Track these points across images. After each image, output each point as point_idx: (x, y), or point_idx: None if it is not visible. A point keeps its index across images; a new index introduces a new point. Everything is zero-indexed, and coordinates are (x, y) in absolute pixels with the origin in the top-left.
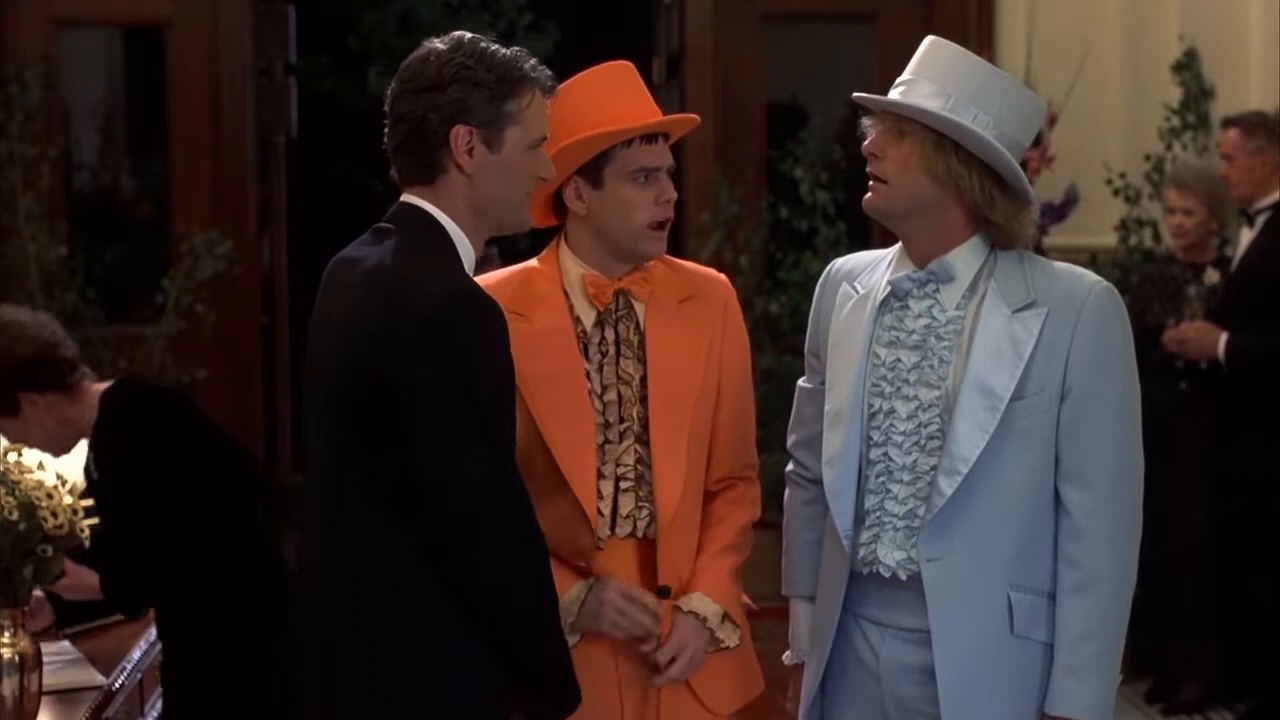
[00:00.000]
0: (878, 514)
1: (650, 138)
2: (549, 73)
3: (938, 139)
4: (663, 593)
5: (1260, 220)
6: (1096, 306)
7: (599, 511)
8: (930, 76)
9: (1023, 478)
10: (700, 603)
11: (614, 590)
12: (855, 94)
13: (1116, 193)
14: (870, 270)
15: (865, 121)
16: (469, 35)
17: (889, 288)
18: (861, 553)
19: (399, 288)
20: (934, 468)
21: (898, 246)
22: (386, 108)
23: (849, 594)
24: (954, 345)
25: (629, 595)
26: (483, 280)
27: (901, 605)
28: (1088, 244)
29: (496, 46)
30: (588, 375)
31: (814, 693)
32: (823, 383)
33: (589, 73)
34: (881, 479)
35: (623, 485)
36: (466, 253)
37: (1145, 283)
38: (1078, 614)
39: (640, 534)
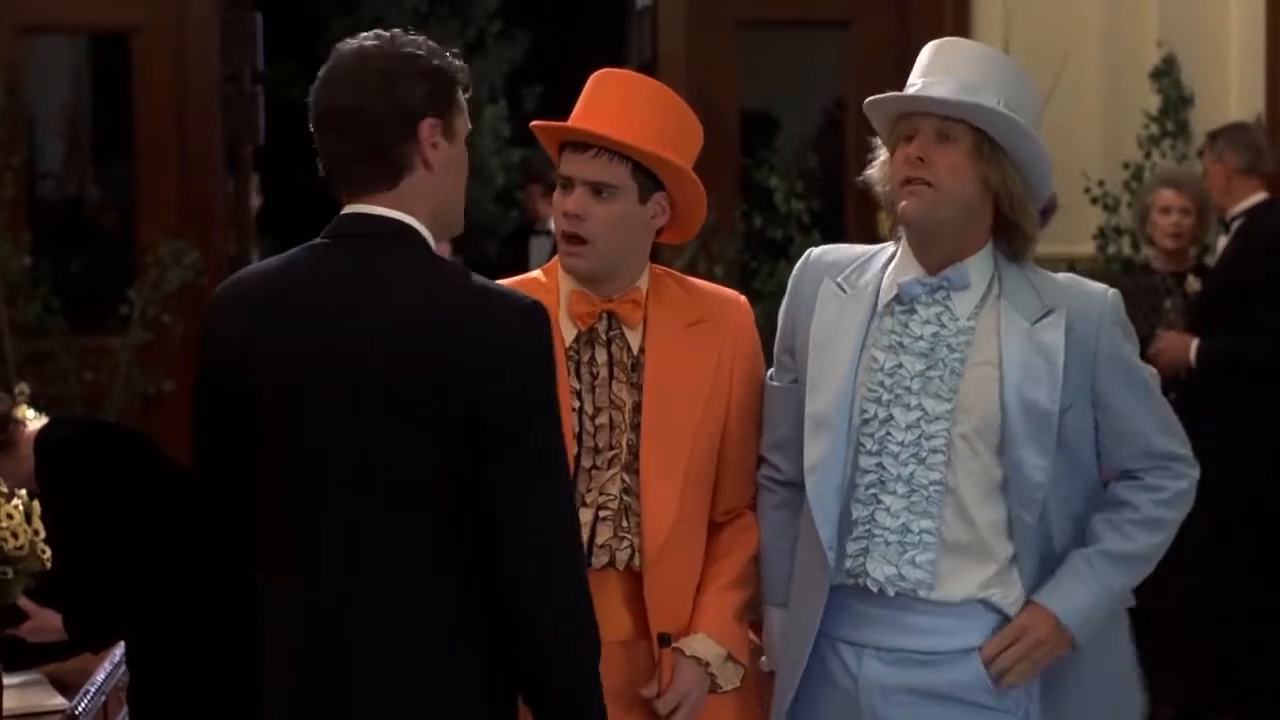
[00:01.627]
0: (867, 526)
1: (582, 147)
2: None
3: (990, 143)
4: (663, 640)
5: (1235, 227)
6: (1114, 314)
7: None
8: (964, 77)
9: (1065, 493)
10: (702, 645)
11: None
12: (901, 93)
13: (1095, 201)
14: (859, 268)
15: (893, 126)
16: (394, 30)
17: (895, 290)
18: (848, 564)
19: (460, 315)
20: (933, 482)
21: (895, 246)
22: (321, 116)
23: (825, 610)
24: (965, 358)
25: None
26: None
27: (881, 623)
28: (1065, 253)
29: (420, 36)
30: (578, 395)
31: (788, 704)
32: (794, 381)
33: (615, 70)
34: (873, 490)
35: (602, 515)
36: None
37: (1124, 295)
38: (1132, 540)
39: (622, 566)
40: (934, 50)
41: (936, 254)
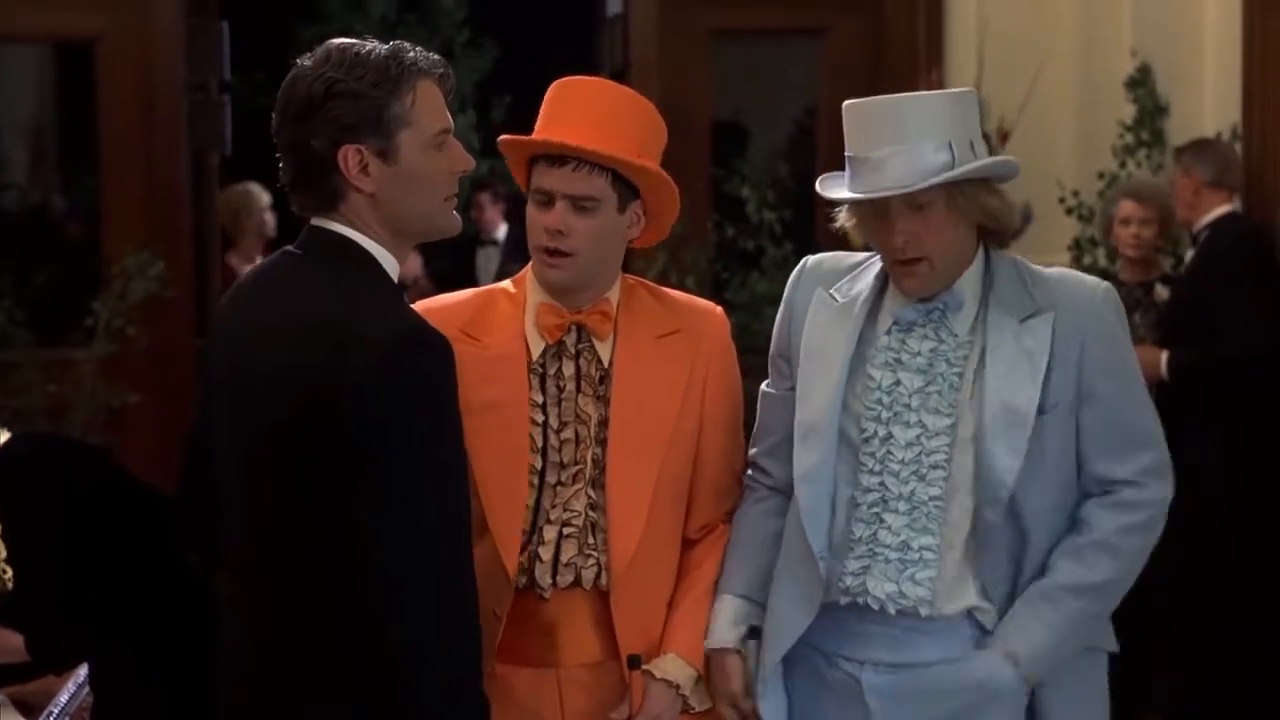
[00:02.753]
0: (869, 545)
1: (559, 160)
2: (435, 59)
3: (960, 187)
4: (633, 662)
5: (1200, 239)
6: (1104, 310)
7: (539, 558)
8: (911, 135)
9: (1055, 497)
10: (673, 667)
11: None
12: (864, 195)
13: (1070, 211)
14: (852, 277)
15: (852, 207)
16: (338, 42)
17: (892, 319)
18: (849, 582)
19: (341, 333)
20: (933, 498)
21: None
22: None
23: (817, 631)
24: (963, 370)
25: None
26: (443, 302)
27: (881, 640)
28: (1041, 263)
29: (371, 46)
30: (543, 409)
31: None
32: (791, 389)
33: (581, 78)
34: (875, 509)
35: (566, 532)
36: (392, 268)
37: None
38: (1091, 569)
39: (589, 585)
40: (859, 118)
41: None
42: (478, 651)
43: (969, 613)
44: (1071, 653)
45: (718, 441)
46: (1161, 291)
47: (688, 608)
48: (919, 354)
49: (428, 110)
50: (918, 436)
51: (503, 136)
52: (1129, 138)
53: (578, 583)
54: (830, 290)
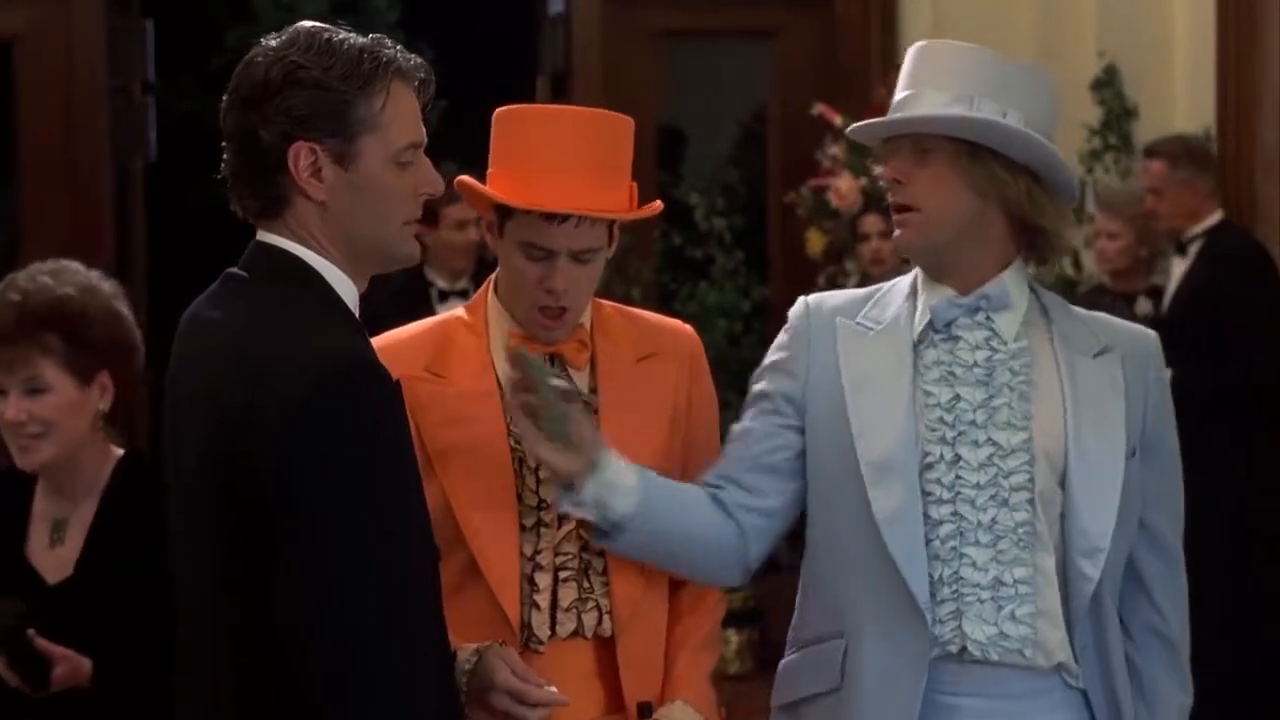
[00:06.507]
0: (954, 586)
1: (558, 217)
2: (416, 61)
3: (971, 148)
4: (644, 710)
5: (1193, 249)
6: (1160, 359)
7: (536, 605)
8: (937, 83)
9: (1122, 545)
10: (683, 714)
11: (503, 674)
12: (851, 126)
13: None
14: (877, 304)
15: (882, 158)
16: (309, 25)
17: (929, 315)
18: (938, 631)
19: (266, 365)
20: (1020, 523)
21: (910, 277)
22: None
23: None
24: (1031, 381)
25: (514, 688)
26: (397, 338)
27: (973, 708)
28: None
29: (346, 35)
30: (514, 446)
31: None
32: (788, 427)
33: (557, 110)
34: (952, 543)
35: (562, 575)
36: (348, 293)
37: None
38: (1175, 682)
39: (589, 633)
40: (911, 58)
41: (959, 275)
42: None
43: (1059, 670)
44: None
45: (702, 466)
46: (1144, 304)
47: (690, 654)
48: (975, 365)
49: (399, 118)
50: (990, 456)
51: (506, 199)
52: (1095, 142)
53: (578, 631)
54: (857, 319)
